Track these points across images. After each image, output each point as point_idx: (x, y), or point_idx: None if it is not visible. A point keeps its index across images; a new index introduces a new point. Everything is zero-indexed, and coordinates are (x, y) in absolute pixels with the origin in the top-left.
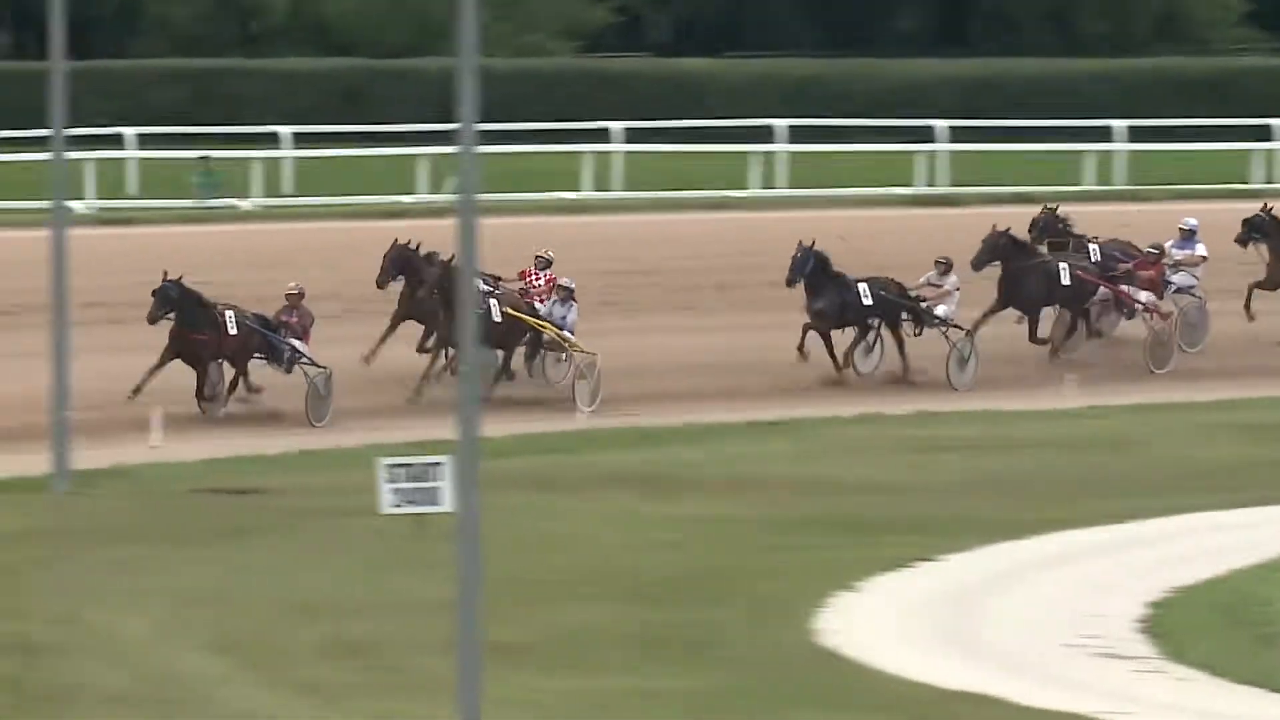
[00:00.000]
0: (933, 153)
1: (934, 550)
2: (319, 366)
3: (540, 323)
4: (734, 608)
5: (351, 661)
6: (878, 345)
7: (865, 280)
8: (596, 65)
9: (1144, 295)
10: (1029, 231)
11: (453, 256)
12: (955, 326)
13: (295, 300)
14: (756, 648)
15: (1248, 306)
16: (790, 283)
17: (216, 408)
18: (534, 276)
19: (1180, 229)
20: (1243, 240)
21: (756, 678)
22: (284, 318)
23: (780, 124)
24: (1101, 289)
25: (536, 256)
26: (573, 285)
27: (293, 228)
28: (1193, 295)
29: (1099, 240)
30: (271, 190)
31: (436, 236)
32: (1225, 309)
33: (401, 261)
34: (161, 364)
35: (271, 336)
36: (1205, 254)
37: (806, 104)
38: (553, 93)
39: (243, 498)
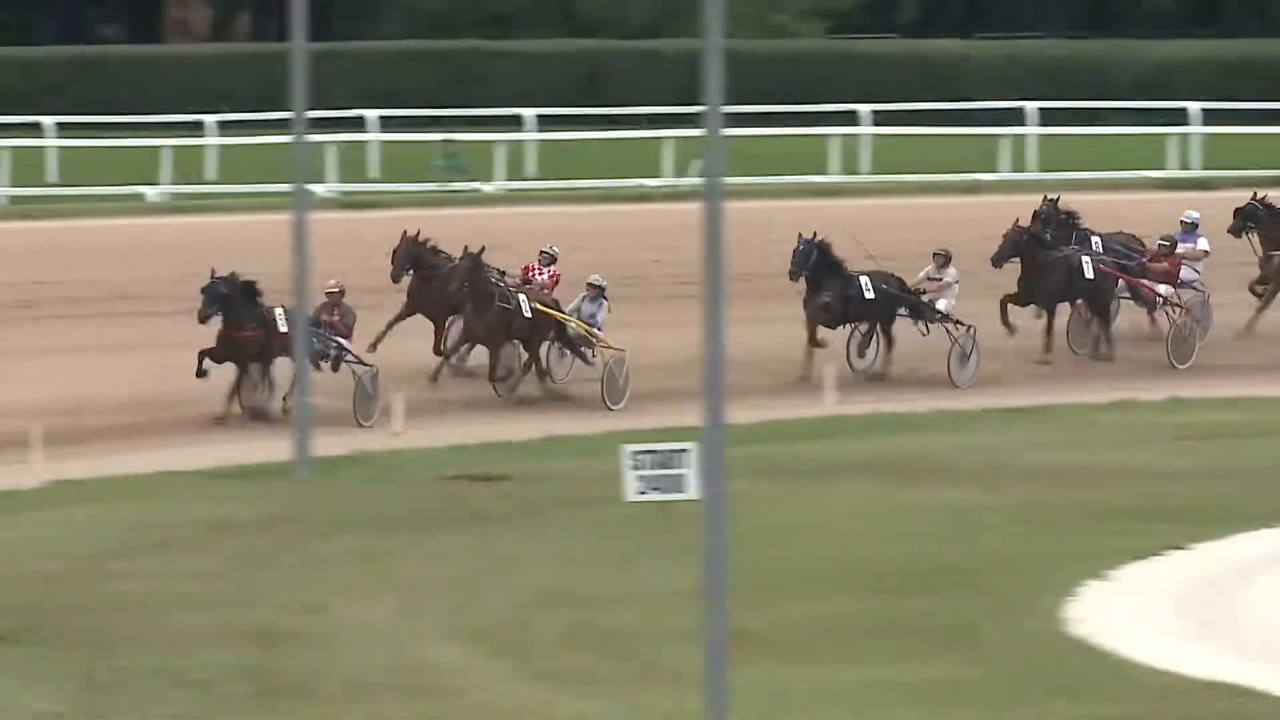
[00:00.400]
0: (1185, 135)
1: (1187, 539)
2: (366, 365)
3: (567, 318)
4: (983, 597)
5: (596, 651)
6: (873, 342)
7: (867, 273)
8: (844, 46)
9: (1163, 289)
10: (1030, 224)
11: (482, 249)
12: (957, 322)
13: (336, 298)
14: (1006, 637)
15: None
16: (794, 276)
17: (269, 409)
18: (538, 272)
19: (1182, 222)
20: (1236, 230)
21: (1006, 668)
22: (325, 316)
23: (1031, 106)
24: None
25: (541, 252)
26: (604, 283)
27: (535, 211)
28: (1195, 289)
29: (1102, 234)
30: (514, 174)
31: (682, 221)
32: None
33: (412, 255)
34: (239, 371)
35: (319, 334)
36: (1207, 248)
37: (1057, 86)
38: (800, 74)
39: (486, 485)
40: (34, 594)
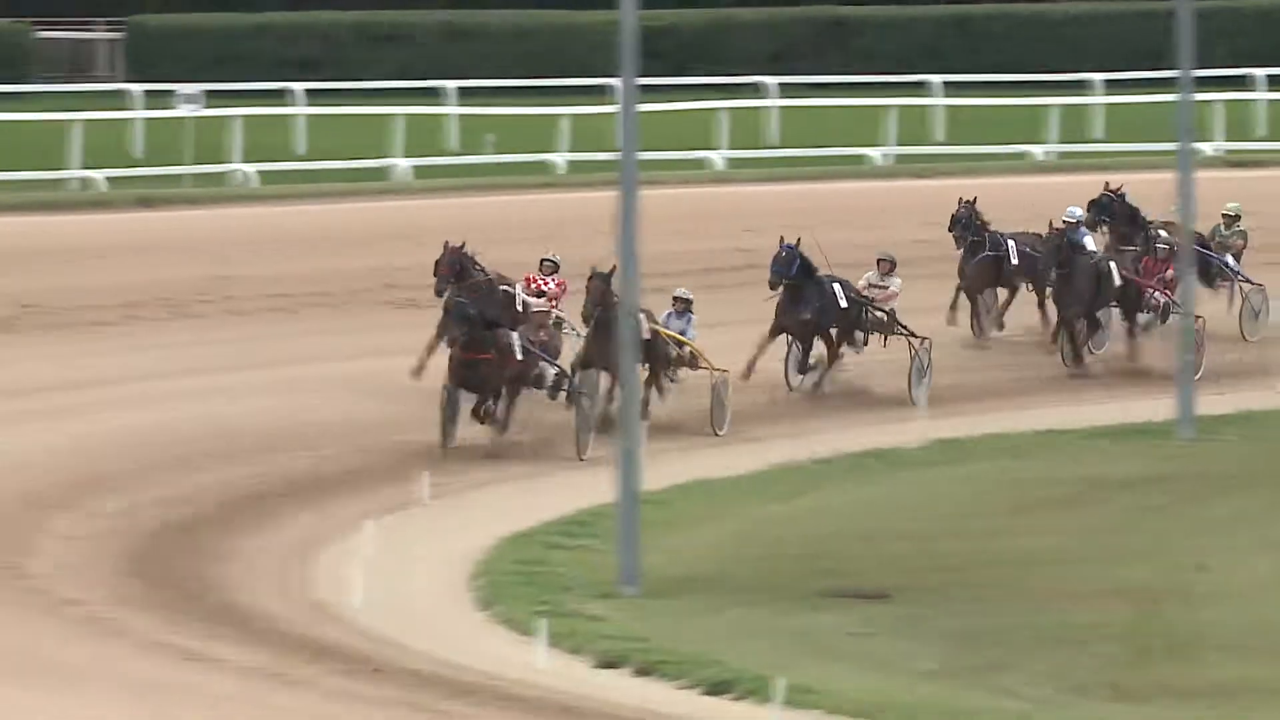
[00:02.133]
0: None
1: None
2: (586, 395)
3: (680, 338)
4: None
5: None
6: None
7: (839, 280)
8: None
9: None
10: (950, 230)
11: (613, 268)
12: (913, 334)
13: (542, 318)
14: None
15: None
16: (774, 285)
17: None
18: (543, 283)
19: (1065, 221)
20: (1090, 223)
21: None
22: (532, 336)
23: None
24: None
25: (543, 261)
26: (690, 296)
27: None
28: None
29: (1014, 235)
30: None
31: None
32: None
33: (456, 267)
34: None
35: (545, 359)
36: (1094, 247)
37: None
38: None
39: None
40: (911, 552)
